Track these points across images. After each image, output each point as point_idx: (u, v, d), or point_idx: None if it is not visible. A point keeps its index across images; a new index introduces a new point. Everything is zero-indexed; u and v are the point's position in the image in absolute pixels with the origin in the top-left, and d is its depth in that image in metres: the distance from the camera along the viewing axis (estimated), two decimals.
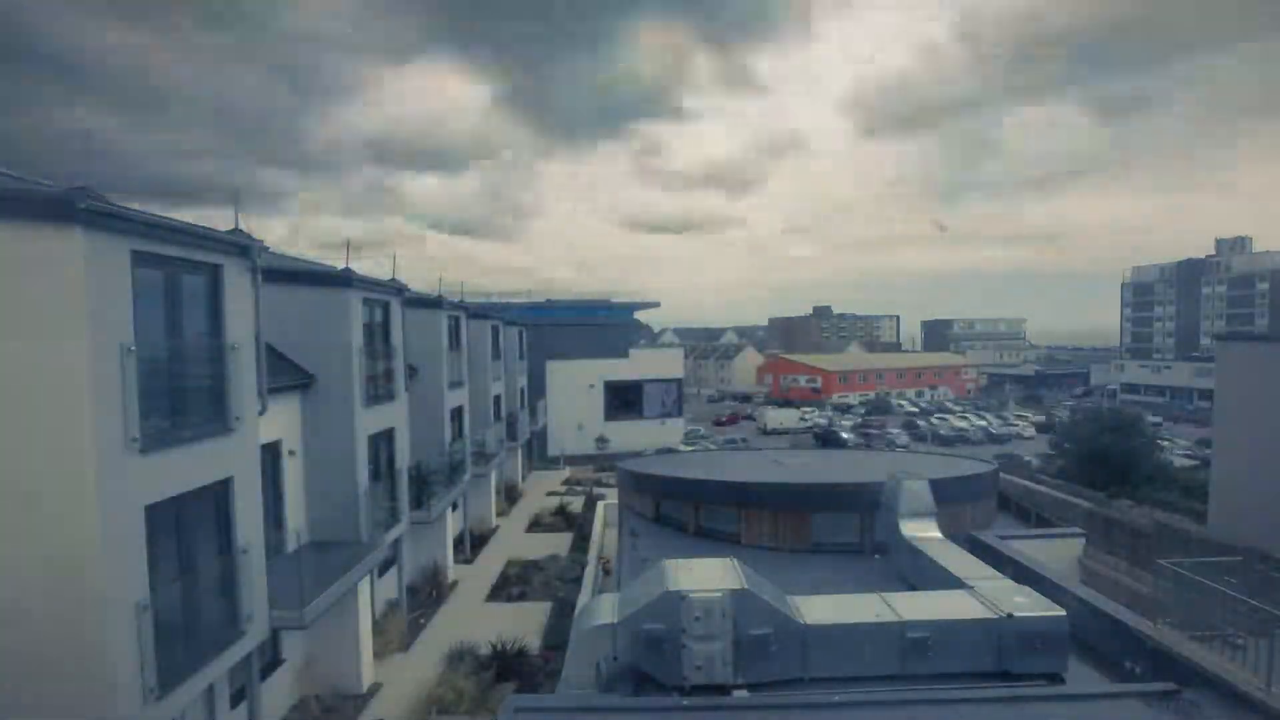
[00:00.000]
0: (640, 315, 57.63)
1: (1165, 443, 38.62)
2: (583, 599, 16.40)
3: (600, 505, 25.56)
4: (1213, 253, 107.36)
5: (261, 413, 10.37)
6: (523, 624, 16.35)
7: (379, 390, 15.10)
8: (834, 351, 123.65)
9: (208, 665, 8.80)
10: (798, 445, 50.76)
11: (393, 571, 17.32)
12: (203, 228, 9.00)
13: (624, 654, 7.80)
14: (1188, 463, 37.35)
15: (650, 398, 47.01)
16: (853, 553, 12.98)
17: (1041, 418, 66.89)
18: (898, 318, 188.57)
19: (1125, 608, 9.19)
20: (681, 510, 15.03)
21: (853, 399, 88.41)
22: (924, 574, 10.49)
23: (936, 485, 12.31)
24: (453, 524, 21.42)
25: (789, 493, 14.20)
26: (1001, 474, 17.94)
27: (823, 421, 68.75)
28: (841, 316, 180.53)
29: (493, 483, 27.05)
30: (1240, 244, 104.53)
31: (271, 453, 12.25)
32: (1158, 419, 60.93)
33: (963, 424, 64.74)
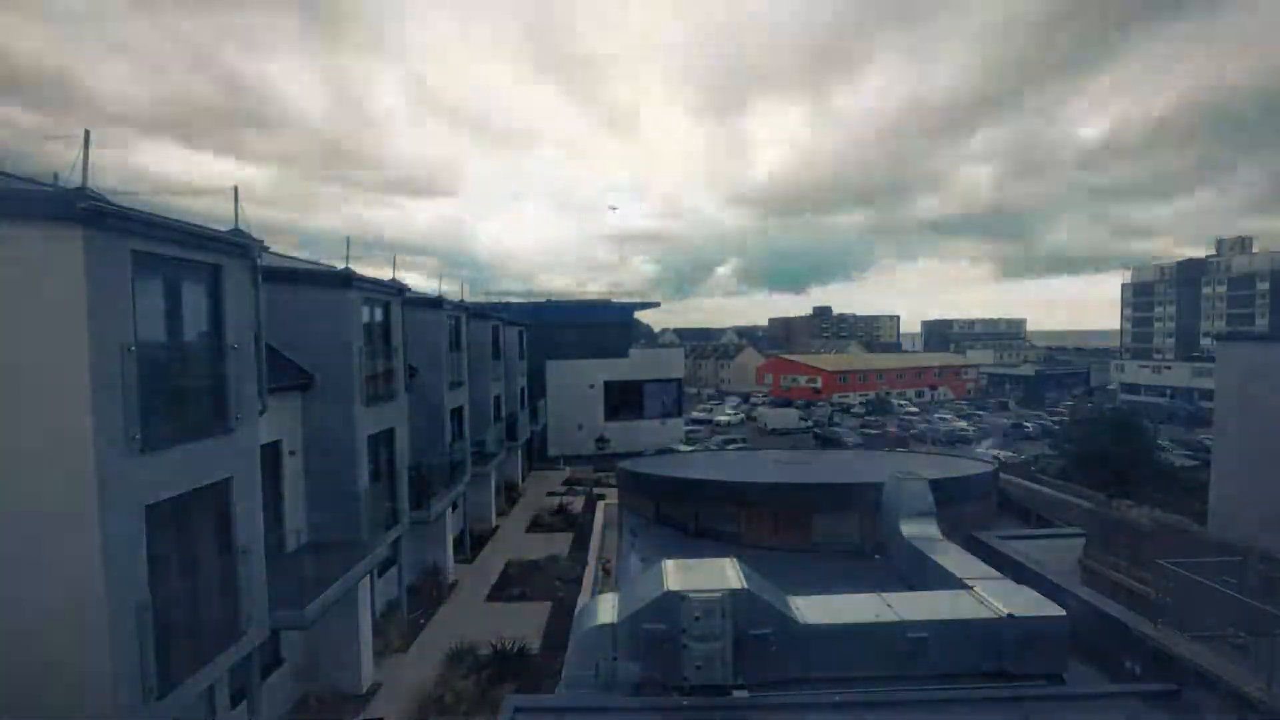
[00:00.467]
0: (640, 315, 57.63)
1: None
2: (583, 599, 16.39)
3: (600, 505, 25.56)
4: (1213, 253, 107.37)
5: (261, 413, 10.36)
6: (523, 624, 16.35)
7: (379, 390, 15.10)
8: (834, 351, 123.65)
9: (208, 665, 8.80)
10: (798, 445, 50.74)
11: (393, 571, 17.32)
12: (203, 228, 9.00)
13: (624, 654, 7.80)
14: (1188, 463, 37.32)
15: (650, 398, 46.99)
16: (853, 553, 12.98)
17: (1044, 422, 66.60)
18: (898, 318, 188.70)
19: (1125, 608, 9.19)
20: (681, 510, 15.03)
21: (853, 399, 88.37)
22: (924, 574, 10.49)
23: (936, 485, 12.31)
24: (453, 524, 21.42)
25: (789, 493, 14.20)
26: (1001, 474, 17.95)
27: (823, 418, 68.74)
28: (841, 316, 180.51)
29: (493, 483, 27.04)
30: (1240, 244, 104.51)
31: (271, 453, 12.25)
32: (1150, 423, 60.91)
33: (962, 424, 64.70)
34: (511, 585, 19.70)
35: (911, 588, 10.33)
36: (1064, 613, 8.03)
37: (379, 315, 15.44)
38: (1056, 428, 54.05)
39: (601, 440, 44.39)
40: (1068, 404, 79.91)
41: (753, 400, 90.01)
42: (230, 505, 9.59)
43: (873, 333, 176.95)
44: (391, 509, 15.69)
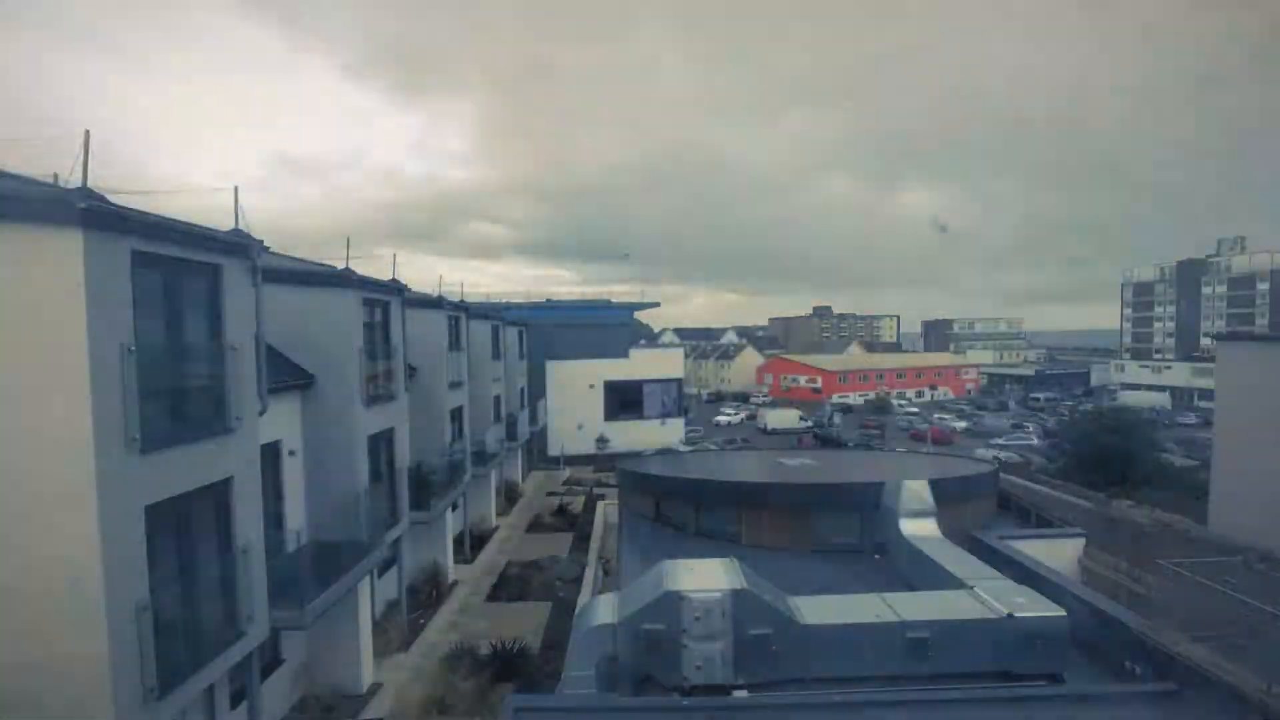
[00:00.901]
0: (640, 315, 57.60)
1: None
2: (583, 599, 16.39)
3: (600, 505, 25.57)
4: (1213, 252, 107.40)
5: (261, 413, 10.36)
6: (523, 624, 16.36)
7: (379, 390, 15.10)
8: (834, 351, 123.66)
9: (208, 665, 8.80)
10: (797, 446, 50.73)
11: (393, 571, 17.31)
12: (203, 228, 9.00)
13: (624, 654, 7.80)
14: (1188, 463, 37.34)
15: (650, 398, 46.99)
16: (853, 553, 12.97)
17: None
18: (898, 318, 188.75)
19: (1125, 608, 9.19)
20: (681, 510, 15.02)
21: (853, 399, 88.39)
22: (924, 574, 10.48)
23: (936, 485, 12.31)
24: (453, 524, 21.42)
25: (789, 493, 14.20)
26: (1001, 474, 17.95)
27: (823, 418, 68.77)
28: (842, 316, 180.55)
29: (493, 483, 27.05)
30: (1240, 244, 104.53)
31: (271, 453, 12.25)
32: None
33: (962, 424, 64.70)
34: (511, 585, 19.71)
35: (911, 588, 10.32)
36: (1064, 613, 8.03)
37: (379, 315, 15.44)
38: (1056, 428, 54.06)
39: (601, 440, 44.40)
40: (1068, 404, 79.91)
41: (753, 400, 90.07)
42: (230, 505, 9.59)
43: (873, 332, 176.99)
44: (391, 509, 15.70)
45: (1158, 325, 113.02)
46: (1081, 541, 13.70)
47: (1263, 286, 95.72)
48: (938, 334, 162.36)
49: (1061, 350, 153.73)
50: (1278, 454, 17.14)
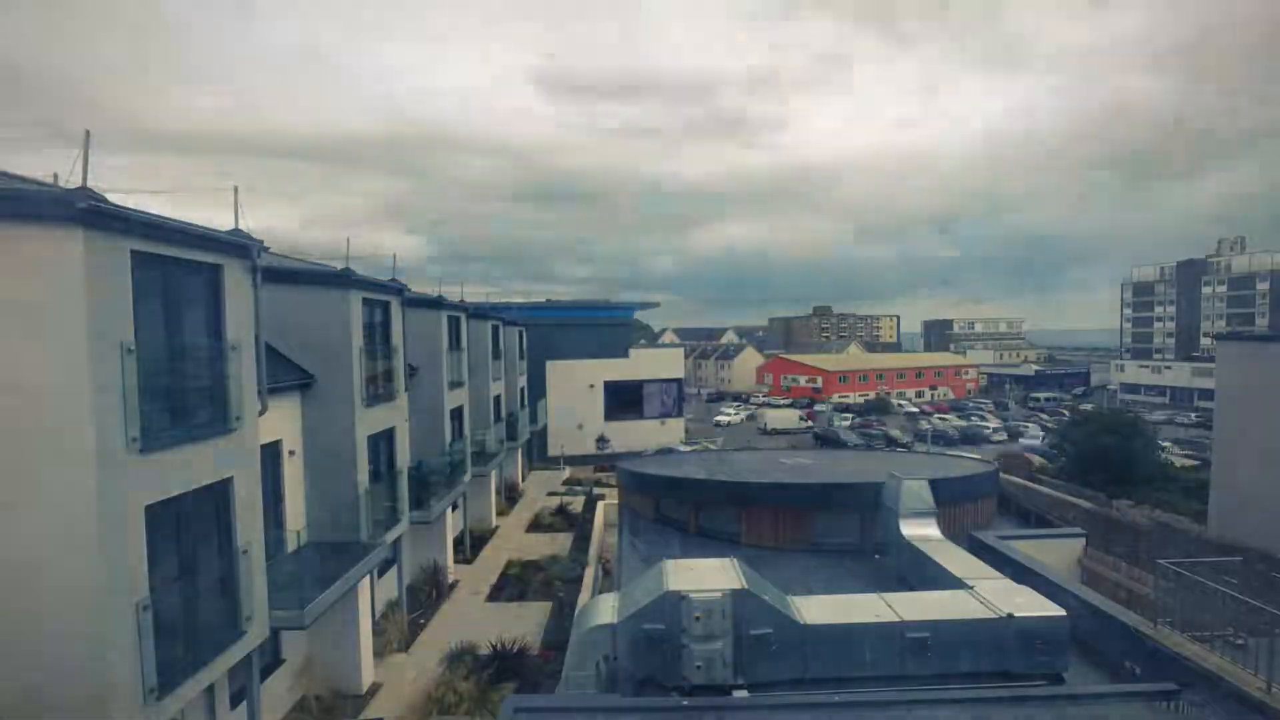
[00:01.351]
0: (640, 315, 57.63)
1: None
2: (583, 599, 16.39)
3: (600, 505, 25.56)
4: (1213, 252, 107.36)
5: (261, 413, 10.36)
6: (523, 624, 16.36)
7: (379, 390, 15.10)
8: (834, 351, 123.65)
9: (208, 665, 8.80)
10: (797, 445, 50.74)
11: (393, 571, 17.31)
12: (203, 228, 8.99)
13: (624, 654, 7.81)
14: (1188, 462, 37.33)
15: (650, 398, 47.01)
16: (853, 553, 12.98)
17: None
18: (897, 318, 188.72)
19: (1125, 608, 9.19)
20: (681, 510, 15.03)
21: (853, 399, 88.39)
22: (924, 574, 10.49)
23: (936, 485, 12.31)
24: (453, 524, 21.41)
25: (789, 493, 14.21)
26: (1001, 474, 17.95)
27: (823, 418, 68.74)
28: (841, 316, 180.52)
29: (493, 483, 27.04)
30: (1240, 244, 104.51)
31: (271, 453, 12.25)
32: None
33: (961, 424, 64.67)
34: (511, 585, 19.70)
35: (911, 588, 10.33)
36: (1064, 613, 8.04)
37: (379, 315, 15.44)
38: (1055, 427, 54.01)
39: (601, 440, 44.40)
40: (1067, 404, 79.90)
41: (753, 400, 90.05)
42: (230, 505, 9.58)
43: (873, 332, 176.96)
44: (391, 509, 15.69)
45: (1158, 325, 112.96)
46: (1081, 541, 13.72)
47: (1263, 286, 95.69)
48: (938, 334, 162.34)
49: (1061, 350, 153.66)
50: (1278, 454, 17.15)
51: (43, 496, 7.13)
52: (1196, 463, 36.29)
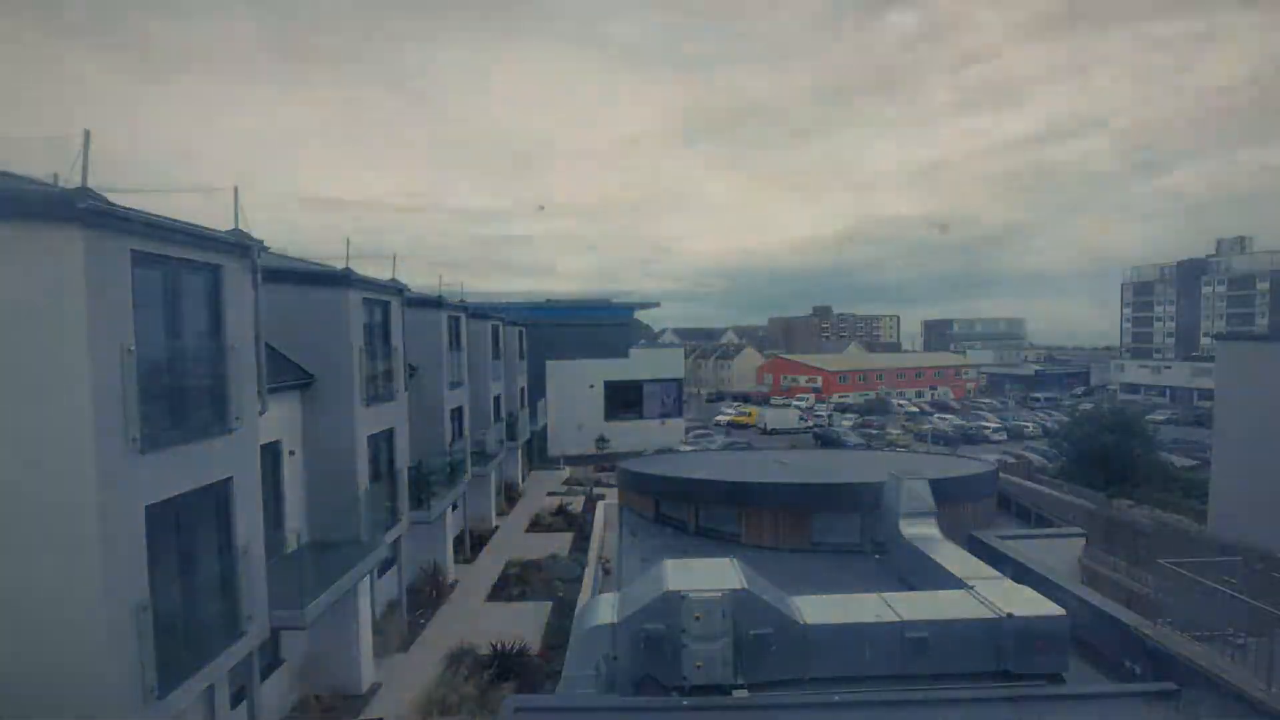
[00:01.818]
0: (640, 315, 57.62)
1: None
2: (583, 599, 16.38)
3: (600, 505, 25.55)
4: (1213, 252, 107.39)
5: (261, 413, 10.37)
6: (523, 624, 16.36)
7: (379, 390, 15.10)
8: (834, 351, 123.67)
9: (208, 665, 8.81)
10: (797, 445, 50.74)
11: (393, 571, 17.32)
12: (203, 228, 9.00)
13: (624, 654, 7.80)
14: (1188, 462, 37.34)
15: (650, 398, 47.00)
16: (853, 553, 12.98)
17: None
18: (897, 318, 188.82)
19: (1125, 608, 9.19)
20: (681, 510, 15.02)
21: (853, 399, 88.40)
22: (924, 574, 10.48)
23: (936, 485, 12.31)
24: (453, 524, 21.42)
25: (789, 493, 14.20)
26: (1001, 474, 17.95)
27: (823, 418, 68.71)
28: (841, 316, 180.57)
29: (493, 483, 27.04)
30: (1240, 244, 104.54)
31: (271, 453, 12.25)
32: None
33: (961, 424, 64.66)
34: (511, 585, 19.70)
35: (911, 588, 10.32)
36: (1064, 613, 8.03)
37: (379, 315, 15.44)
38: (1055, 428, 54.02)
39: (601, 440, 44.40)
40: (1066, 403, 79.90)
41: (753, 400, 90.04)
42: (230, 505, 9.59)
43: (872, 332, 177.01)
44: (391, 509, 15.70)
45: (1158, 325, 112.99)
46: (1081, 541, 13.71)
47: (1263, 286, 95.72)
48: (937, 334, 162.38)
49: (1061, 349, 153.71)
50: (1278, 454, 17.15)
51: (43, 496, 7.13)
52: (1195, 462, 36.28)
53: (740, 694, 7.52)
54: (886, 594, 8.76)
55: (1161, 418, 65.64)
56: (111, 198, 7.40)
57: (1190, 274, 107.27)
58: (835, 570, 12.22)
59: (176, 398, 8.78)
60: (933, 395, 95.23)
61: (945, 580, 9.55)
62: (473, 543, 23.51)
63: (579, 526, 25.57)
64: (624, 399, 46.13)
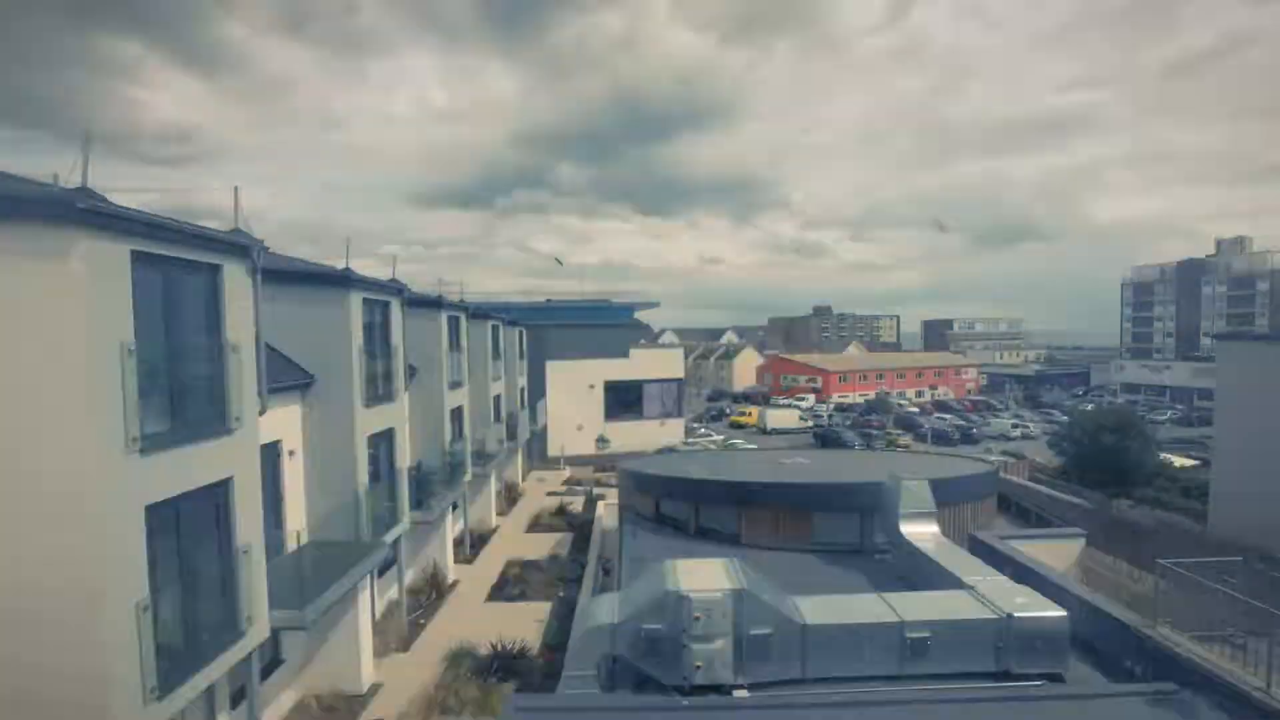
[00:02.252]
0: (640, 315, 57.60)
1: None
2: (583, 599, 16.41)
3: (600, 505, 25.55)
4: (1212, 252, 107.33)
5: (261, 413, 10.36)
6: (523, 624, 16.35)
7: (379, 390, 15.09)
8: (834, 351, 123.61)
9: (208, 665, 8.79)
10: (796, 445, 50.71)
11: (393, 571, 17.31)
12: (203, 228, 9.00)
13: (624, 654, 7.80)
14: (1188, 462, 37.31)
15: (650, 398, 47.01)
16: (853, 553, 12.99)
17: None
18: (897, 318, 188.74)
19: (1125, 608, 9.19)
20: (681, 510, 15.04)
21: (853, 398, 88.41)
22: (924, 574, 10.49)
23: (936, 485, 12.32)
24: (453, 524, 21.41)
25: (789, 493, 14.21)
26: (1001, 474, 17.96)
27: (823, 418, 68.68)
28: (841, 316, 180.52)
29: (493, 483, 27.04)
30: (1240, 244, 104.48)
31: (271, 453, 12.25)
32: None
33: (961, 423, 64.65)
34: (511, 585, 19.68)
35: (911, 588, 10.33)
36: (1064, 613, 8.03)
37: (379, 315, 15.44)
38: (1056, 428, 54.07)
39: (601, 440, 44.40)
40: (1068, 404, 79.85)
41: (753, 400, 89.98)
42: (230, 505, 9.58)
43: (872, 332, 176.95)
44: (391, 509, 15.69)
45: (1158, 325, 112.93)
46: (1081, 541, 13.71)
47: (1263, 286, 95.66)
48: (937, 334, 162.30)
49: (1061, 349, 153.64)
50: (1278, 454, 17.15)
51: (43, 497, 7.13)
52: (1195, 462, 36.25)
53: (740, 694, 7.53)
54: (886, 594, 8.77)
55: (1162, 418, 65.69)
56: (112, 198, 7.41)
57: (1190, 274, 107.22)
58: (835, 570, 12.23)
59: (177, 398, 8.77)
60: (933, 395, 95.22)
61: (945, 580, 9.56)
62: (473, 543, 23.50)
63: (579, 526, 25.55)
64: (624, 399, 46.14)
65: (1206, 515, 20.87)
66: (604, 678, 7.79)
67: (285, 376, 12.87)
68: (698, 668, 7.54)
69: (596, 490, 31.62)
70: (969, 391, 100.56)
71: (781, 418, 67.22)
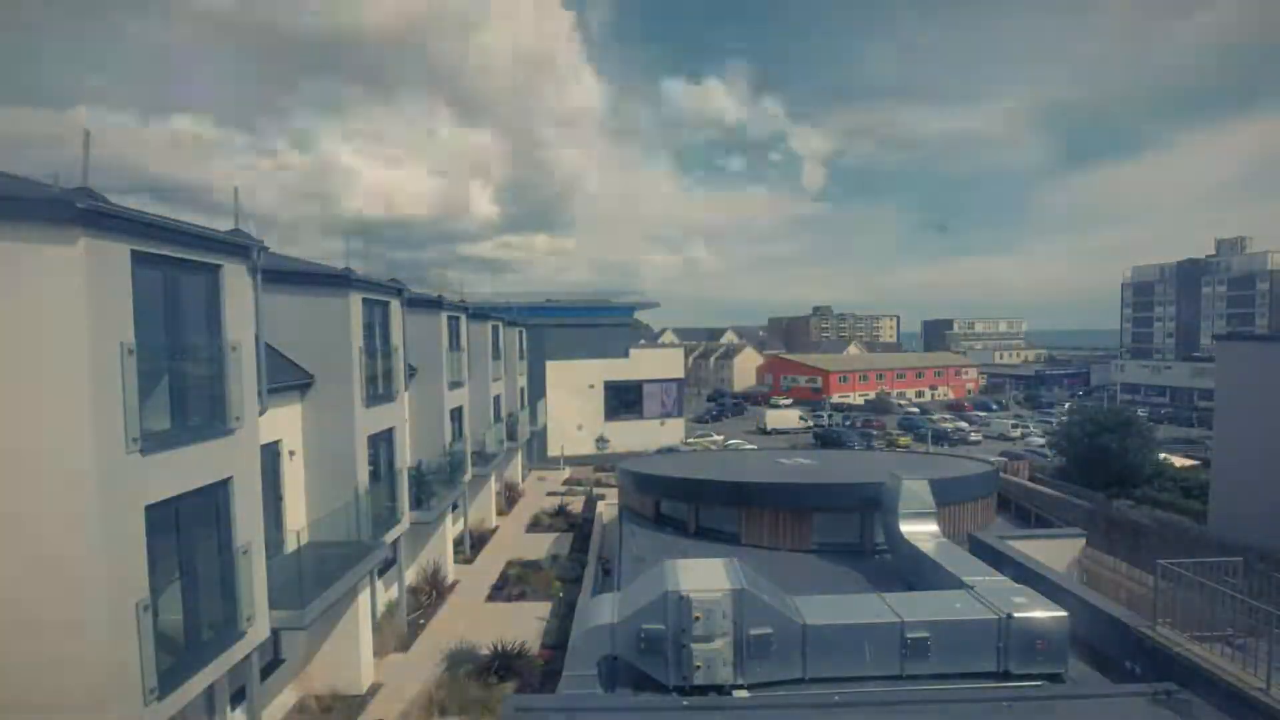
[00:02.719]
0: (640, 315, 57.63)
1: None
2: (583, 599, 16.39)
3: (600, 505, 25.54)
4: (1212, 253, 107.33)
5: (261, 413, 10.36)
6: (523, 624, 16.35)
7: (379, 390, 15.09)
8: (834, 351, 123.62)
9: (208, 665, 8.80)
10: (796, 446, 50.74)
11: (392, 571, 17.31)
12: (203, 228, 9.00)
13: (624, 654, 7.80)
14: (1188, 462, 37.32)
15: (650, 398, 47.01)
16: (853, 553, 12.99)
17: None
18: (898, 318, 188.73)
19: (1125, 608, 9.19)
20: (681, 510, 15.04)
21: (853, 398, 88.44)
22: (924, 574, 10.49)
23: (936, 485, 12.32)
24: (453, 524, 21.40)
25: (789, 493, 14.21)
26: (1001, 474, 17.97)
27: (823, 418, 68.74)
28: (841, 316, 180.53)
29: (493, 483, 27.04)
30: (1240, 244, 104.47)
31: (271, 453, 12.25)
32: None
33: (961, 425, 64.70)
34: (511, 585, 19.69)
35: (911, 588, 10.33)
36: (1064, 613, 8.04)
37: (379, 315, 15.44)
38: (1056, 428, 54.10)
39: (601, 440, 44.41)
40: (1066, 403, 79.90)
41: (753, 400, 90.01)
42: (230, 505, 9.58)
43: (872, 332, 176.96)
44: (391, 509, 15.69)
45: (1158, 325, 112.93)
46: (1081, 541, 13.72)
47: (1263, 286, 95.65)
48: (937, 334, 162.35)
49: (1061, 349, 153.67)
50: (1278, 454, 17.15)
51: (43, 497, 7.13)
52: (1195, 462, 36.26)
53: (740, 694, 7.53)
54: (886, 594, 8.78)
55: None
56: (112, 198, 7.41)
57: (1190, 274, 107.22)
58: (835, 570, 12.23)
59: (177, 398, 8.77)
60: (933, 395, 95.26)
61: (945, 580, 9.56)
62: (473, 543, 23.50)
63: (579, 526, 25.56)
64: (624, 399, 46.15)
65: (1206, 515, 20.87)
66: (604, 678, 7.80)
67: (285, 376, 12.87)
68: (698, 668, 7.54)
69: (596, 490, 31.63)
70: (969, 392, 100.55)
71: (781, 418, 67.29)
